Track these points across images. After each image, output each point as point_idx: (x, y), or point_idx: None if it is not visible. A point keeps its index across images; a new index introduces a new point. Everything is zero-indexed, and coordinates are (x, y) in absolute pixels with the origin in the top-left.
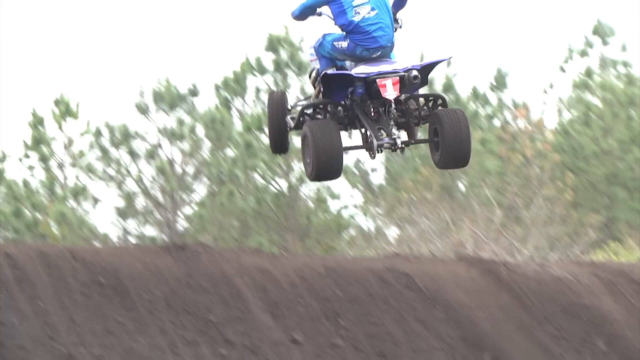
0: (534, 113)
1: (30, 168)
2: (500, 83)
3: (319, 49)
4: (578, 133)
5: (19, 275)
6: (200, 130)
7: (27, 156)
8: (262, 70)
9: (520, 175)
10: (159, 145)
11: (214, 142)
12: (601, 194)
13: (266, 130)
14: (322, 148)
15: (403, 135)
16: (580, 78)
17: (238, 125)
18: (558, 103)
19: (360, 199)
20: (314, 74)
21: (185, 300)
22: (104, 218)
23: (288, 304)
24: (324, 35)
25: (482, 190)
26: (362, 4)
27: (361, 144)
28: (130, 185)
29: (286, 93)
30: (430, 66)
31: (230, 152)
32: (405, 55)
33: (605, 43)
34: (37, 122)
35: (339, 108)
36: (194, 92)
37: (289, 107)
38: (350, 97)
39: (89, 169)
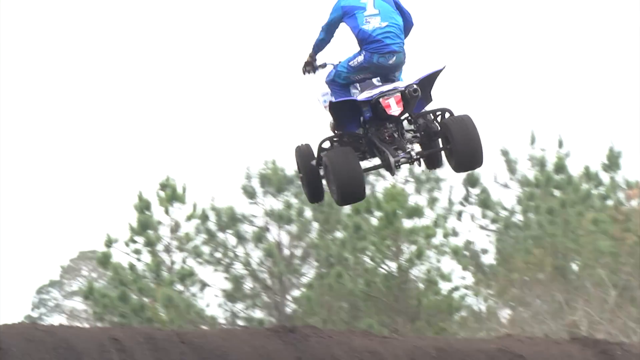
0: None
1: (137, 252)
2: (613, 163)
3: (335, 79)
4: None
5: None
6: (308, 213)
7: (133, 240)
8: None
9: (634, 256)
10: (267, 228)
11: (323, 225)
12: None
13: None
14: (342, 171)
15: (416, 147)
16: None
17: (346, 208)
18: None
19: (471, 280)
20: (332, 122)
21: None
22: (212, 301)
23: None
24: (336, 66)
25: (596, 271)
26: (373, 15)
27: (379, 163)
28: (238, 268)
29: (310, 145)
30: (429, 79)
31: (338, 234)
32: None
33: None
34: (143, 207)
35: (355, 138)
36: None
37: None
38: (363, 125)
39: (196, 253)
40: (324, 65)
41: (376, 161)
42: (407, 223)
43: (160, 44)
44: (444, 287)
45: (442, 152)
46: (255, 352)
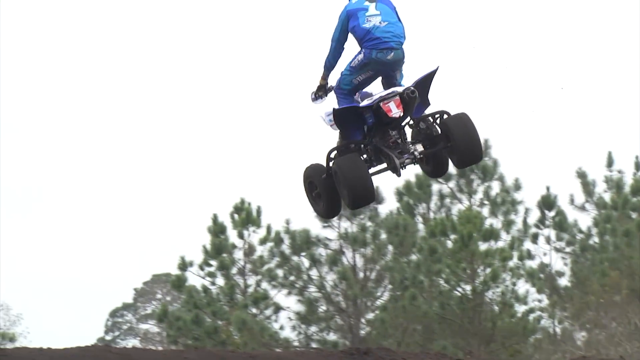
0: None
1: (211, 275)
2: None
3: (340, 86)
4: None
5: None
6: (383, 236)
7: (207, 263)
8: (446, 176)
9: None
10: (341, 251)
11: (397, 247)
12: None
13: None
14: (351, 175)
15: (419, 147)
16: None
17: (422, 231)
18: None
19: (546, 303)
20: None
21: None
22: (285, 324)
23: None
24: (341, 72)
25: None
26: (374, 15)
27: (385, 166)
28: (312, 291)
29: (319, 163)
30: (424, 81)
31: (413, 257)
32: None
33: None
34: (218, 230)
35: (361, 146)
36: (376, 198)
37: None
38: (368, 133)
39: (270, 276)
40: (323, 97)
41: (382, 166)
42: (483, 246)
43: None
44: (519, 309)
45: (445, 150)
46: None
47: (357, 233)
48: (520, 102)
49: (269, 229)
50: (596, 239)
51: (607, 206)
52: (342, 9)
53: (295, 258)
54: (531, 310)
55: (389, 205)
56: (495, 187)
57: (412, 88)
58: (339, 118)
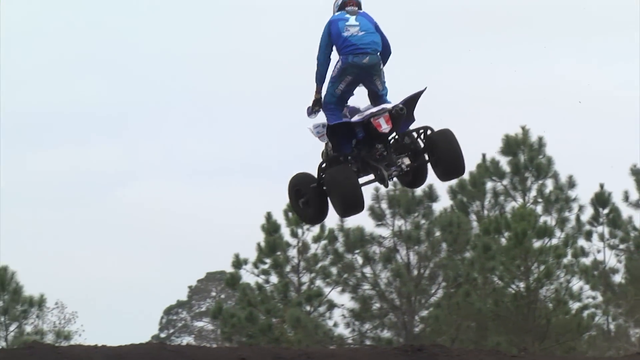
0: None
1: (265, 273)
2: None
3: (327, 99)
4: None
5: None
6: (437, 233)
7: (261, 261)
8: (499, 174)
9: None
10: (395, 249)
11: (451, 245)
12: None
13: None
14: (343, 185)
15: (406, 161)
16: None
17: (475, 228)
18: None
19: (600, 299)
20: (324, 150)
21: None
22: (339, 321)
23: None
24: (326, 89)
25: None
26: (353, 25)
27: (373, 178)
28: (366, 288)
29: (308, 172)
30: (412, 99)
31: (467, 254)
32: None
33: None
34: (272, 229)
35: (349, 158)
36: (430, 196)
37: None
38: (356, 146)
39: (324, 273)
40: (317, 112)
41: (370, 177)
42: (537, 243)
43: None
44: (573, 306)
45: (429, 164)
46: None
47: (411, 231)
48: (570, 97)
49: (322, 226)
50: None
51: None
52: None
53: (349, 256)
54: (585, 307)
55: (443, 203)
56: (549, 185)
57: (400, 105)
58: (333, 132)
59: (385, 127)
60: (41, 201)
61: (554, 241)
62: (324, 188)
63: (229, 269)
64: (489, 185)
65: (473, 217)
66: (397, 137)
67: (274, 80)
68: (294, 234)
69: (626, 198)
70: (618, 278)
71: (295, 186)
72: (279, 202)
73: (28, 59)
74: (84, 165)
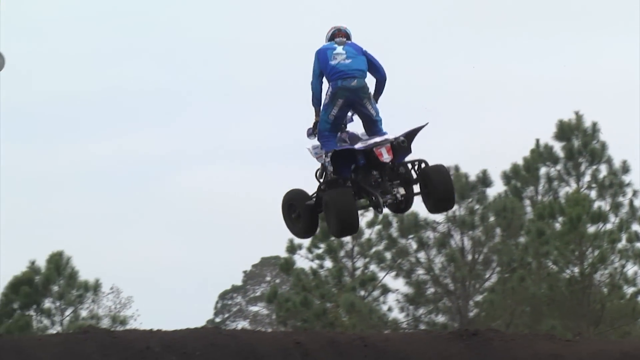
0: None
1: (319, 258)
2: None
3: (321, 126)
4: None
5: None
6: (491, 219)
7: (315, 246)
8: (553, 159)
9: None
10: (450, 234)
11: (505, 230)
12: None
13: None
14: (342, 208)
15: (401, 190)
16: None
17: (529, 213)
18: None
19: None
20: (320, 170)
21: None
22: (394, 306)
23: None
24: (320, 118)
25: None
26: (340, 53)
27: (368, 203)
28: (420, 273)
29: (303, 189)
30: (413, 133)
31: (521, 239)
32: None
33: None
34: None
35: (348, 183)
36: (484, 181)
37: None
38: (355, 171)
39: (378, 258)
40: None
41: (365, 202)
42: (591, 228)
43: None
44: (628, 291)
45: (421, 196)
46: (438, 355)
47: (466, 216)
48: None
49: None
50: None
51: None
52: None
53: (403, 240)
54: None
55: (497, 188)
56: (603, 170)
57: (402, 138)
58: (337, 157)
59: (386, 156)
60: (97, 186)
61: (608, 226)
62: (318, 207)
63: (284, 254)
64: (543, 170)
65: (527, 202)
66: (393, 166)
67: None
68: None
69: None
70: None
71: (289, 201)
72: None
73: (80, 41)
74: (140, 150)
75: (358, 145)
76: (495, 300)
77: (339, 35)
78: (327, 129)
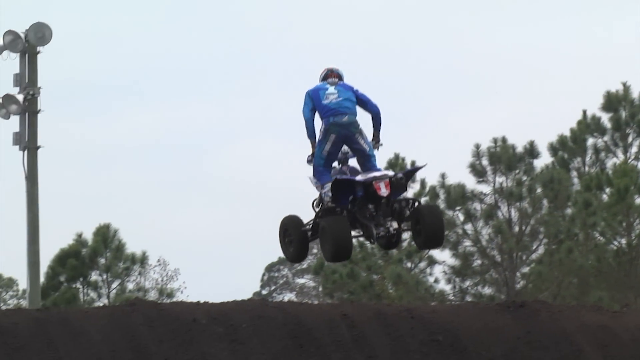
0: None
1: None
2: None
3: (316, 162)
4: None
5: (357, 335)
6: (538, 190)
7: None
8: (601, 130)
9: None
10: (497, 206)
11: (552, 201)
12: None
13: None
14: (338, 236)
15: (394, 224)
16: None
17: (577, 184)
18: None
19: None
20: (317, 199)
21: (524, 358)
22: (440, 278)
23: None
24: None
25: None
26: (332, 93)
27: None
28: (467, 245)
29: (298, 216)
30: (411, 172)
31: (568, 211)
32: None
33: None
34: None
35: (344, 212)
36: (531, 153)
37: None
38: (352, 202)
39: None
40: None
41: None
42: (639, 199)
43: None
44: None
45: (411, 232)
46: (485, 327)
47: (513, 187)
48: None
49: (423, 183)
50: None
51: None
52: (306, 91)
53: (450, 212)
54: None
55: (544, 160)
56: None
57: (401, 175)
58: (337, 186)
59: (384, 191)
60: (145, 159)
61: None
62: (312, 234)
63: None
64: (590, 141)
65: (574, 173)
66: (388, 201)
67: (372, 37)
68: None
69: None
70: None
71: (285, 226)
72: (380, 158)
73: (123, 17)
74: (188, 122)
75: (359, 177)
76: (542, 271)
77: (331, 75)
78: (321, 164)
